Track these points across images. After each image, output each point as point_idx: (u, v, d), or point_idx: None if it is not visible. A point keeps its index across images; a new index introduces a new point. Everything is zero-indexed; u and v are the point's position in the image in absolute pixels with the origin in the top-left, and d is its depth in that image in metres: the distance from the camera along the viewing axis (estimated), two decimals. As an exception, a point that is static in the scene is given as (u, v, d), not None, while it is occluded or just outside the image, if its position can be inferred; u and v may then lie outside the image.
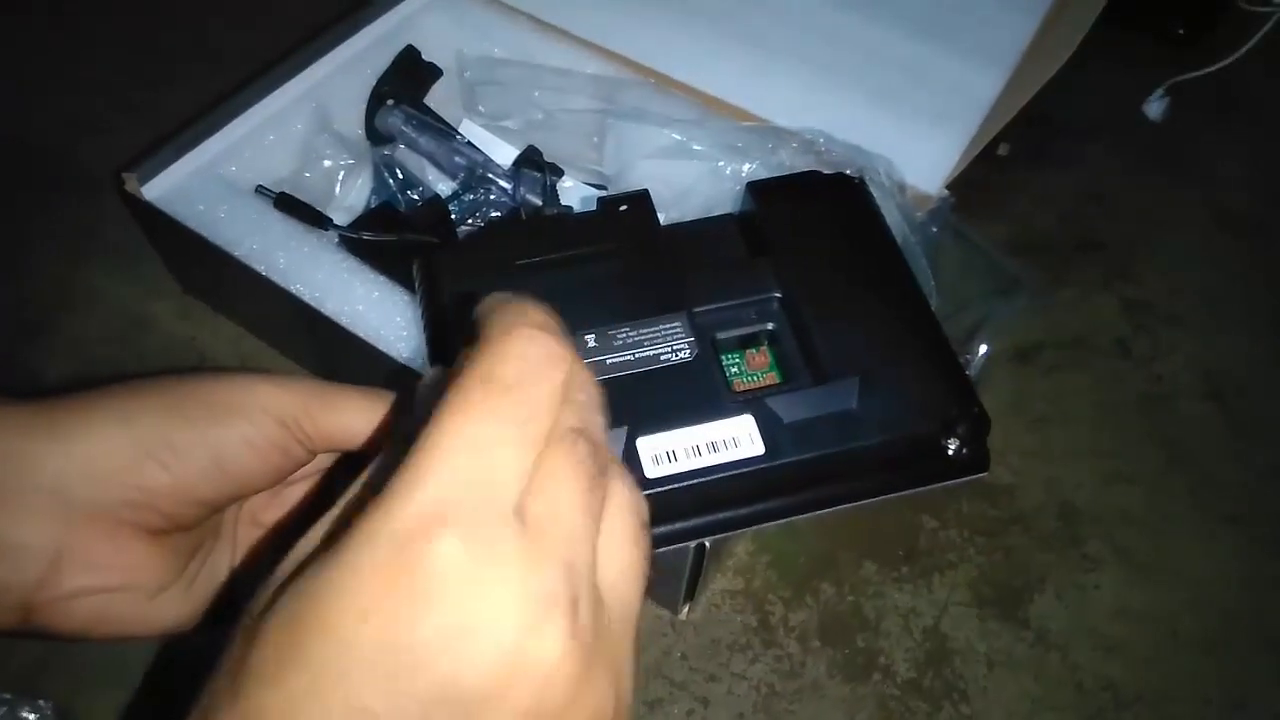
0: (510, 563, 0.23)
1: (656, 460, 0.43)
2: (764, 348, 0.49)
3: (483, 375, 0.25)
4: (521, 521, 0.24)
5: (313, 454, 0.39)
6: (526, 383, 0.25)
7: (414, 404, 0.30)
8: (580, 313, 0.47)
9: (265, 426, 0.36)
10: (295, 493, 0.43)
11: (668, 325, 0.47)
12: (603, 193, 0.72)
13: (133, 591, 0.36)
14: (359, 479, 0.28)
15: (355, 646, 0.22)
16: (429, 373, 0.31)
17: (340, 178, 0.72)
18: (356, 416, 0.38)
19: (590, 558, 0.25)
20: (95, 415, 0.35)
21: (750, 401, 0.45)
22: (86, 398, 0.36)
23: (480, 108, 0.75)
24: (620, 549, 0.26)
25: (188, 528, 0.38)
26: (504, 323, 0.26)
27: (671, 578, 0.55)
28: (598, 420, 0.27)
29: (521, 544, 0.23)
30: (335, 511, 0.27)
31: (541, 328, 0.26)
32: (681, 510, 0.43)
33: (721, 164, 0.65)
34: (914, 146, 0.67)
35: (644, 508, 0.28)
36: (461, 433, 0.24)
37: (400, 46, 0.74)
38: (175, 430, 0.35)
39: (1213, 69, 0.90)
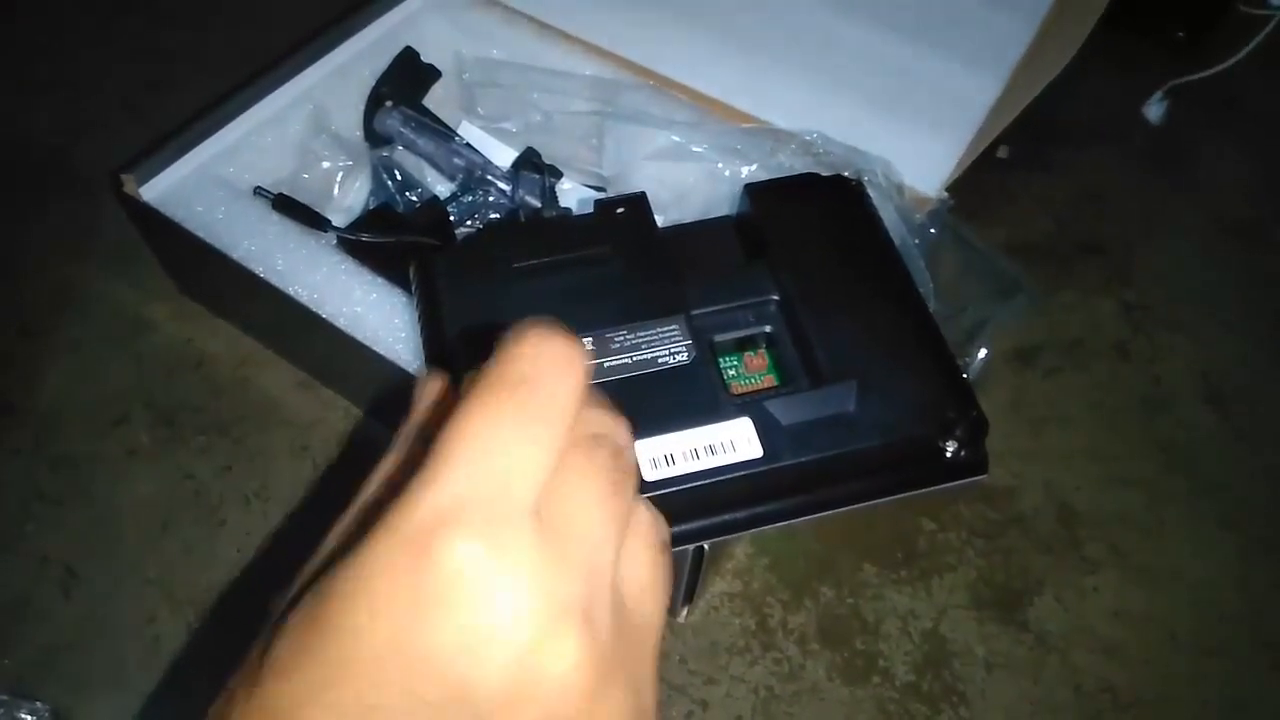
0: (527, 565, 0.22)
1: (654, 463, 0.43)
2: (762, 350, 0.49)
3: (500, 374, 0.24)
4: (540, 523, 0.23)
5: None
6: (544, 380, 0.24)
7: (411, 403, 0.30)
8: (578, 315, 0.47)
9: None
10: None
11: (665, 328, 0.46)
12: (601, 195, 0.72)
13: None
14: (373, 477, 0.28)
15: (368, 645, 0.22)
16: (425, 373, 0.31)
17: (339, 179, 0.72)
18: None
19: (610, 565, 0.24)
20: None
21: (748, 404, 0.45)
22: None
23: (479, 109, 0.75)
24: (643, 566, 0.26)
25: None
26: (519, 328, 0.26)
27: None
28: (620, 428, 0.27)
29: (539, 546, 0.23)
30: (352, 511, 0.27)
31: (555, 329, 0.26)
32: (680, 513, 0.43)
33: (720, 166, 0.65)
34: (913, 149, 0.67)
35: (665, 529, 0.28)
36: (479, 432, 0.23)
37: (399, 48, 0.74)
38: None
39: (1212, 72, 0.90)
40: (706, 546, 0.49)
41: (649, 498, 0.42)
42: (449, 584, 0.22)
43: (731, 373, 0.47)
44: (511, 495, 0.23)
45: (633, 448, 0.27)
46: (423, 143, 0.72)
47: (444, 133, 0.72)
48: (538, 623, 0.22)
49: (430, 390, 0.30)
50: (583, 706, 0.23)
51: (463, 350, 0.46)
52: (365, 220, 0.70)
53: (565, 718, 0.23)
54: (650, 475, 0.42)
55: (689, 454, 0.43)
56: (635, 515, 0.26)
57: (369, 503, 0.27)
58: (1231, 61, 0.90)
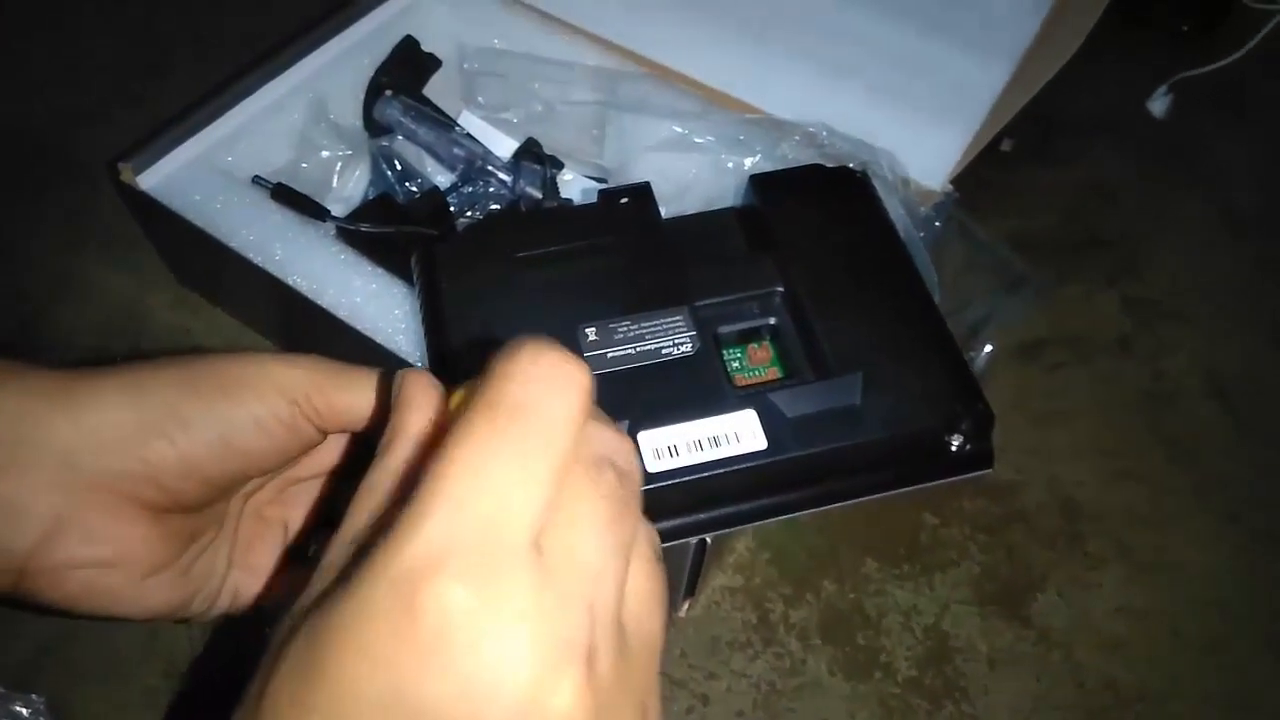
0: (522, 608, 0.22)
1: (658, 455, 0.42)
2: (766, 342, 0.48)
3: (491, 400, 0.23)
4: (538, 559, 0.22)
5: (323, 434, 0.38)
6: (537, 404, 0.23)
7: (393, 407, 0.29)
8: (581, 306, 0.46)
9: (275, 404, 0.36)
10: (299, 491, 0.42)
11: (669, 319, 0.46)
12: (603, 185, 0.72)
13: (126, 569, 0.36)
14: (361, 501, 0.27)
15: (363, 696, 0.21)
16: (403, 375, 0.30)
17: (338, 168, 0.72)
18: (367, 395, 0.38)
19: (615, 597, 0.24)
20: (107, 387, 0.35)
21: (752, 396, 0.44)
22: (101, 371, 0.36)
23: (480, 99, 0.75)
24: (645, 580, 0.26)
25: (191, 508, 0.37)
26: (511, 347, 0.24)
27: (672, 574, 0.55)
28: (625, 449, 0.26)
29: (537, 586, 0.22)
30: (344, 541, 0.26)
31: (550, 346, 0.24)
32: (682, 506, 0.42)
33: (723, 157, 0.65)
34: (918, 141, 0.66)
35: (656, 537, 0.27)
36: (468, 464, 0.22)
37: (399, 36, 0.74)
38: (184, 405, 0.35)
39: (1217, 66, 0.90)
40: (709, 540, 0.48)
41: (652, 490, 0.42)
42: (441, 632, 0.21)
43: (736, 364, 0.47)
44: (504, 535, 0.22)
45: (638, 468, 0.26)
46: (423, 132, 0.71)
47: (444, 122, 0.72)
48: (537, 666, 0.22)
49: (415, 396, 0.29)
50: None
51: (464, 347, 0.46)
52: (364, 210, 0.69)
53: None
54: (654, 467, 0.42)
55: (693, 445, 0.42)
56: (637, 535, 0.26)
57: (360, 535, 0.26)
58: (1237, 55, 0.90)
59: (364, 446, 0.41)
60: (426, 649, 0.21)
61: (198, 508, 0.38)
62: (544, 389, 0.24)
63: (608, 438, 0.26)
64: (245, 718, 0.23)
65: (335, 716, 0.21)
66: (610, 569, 0.24)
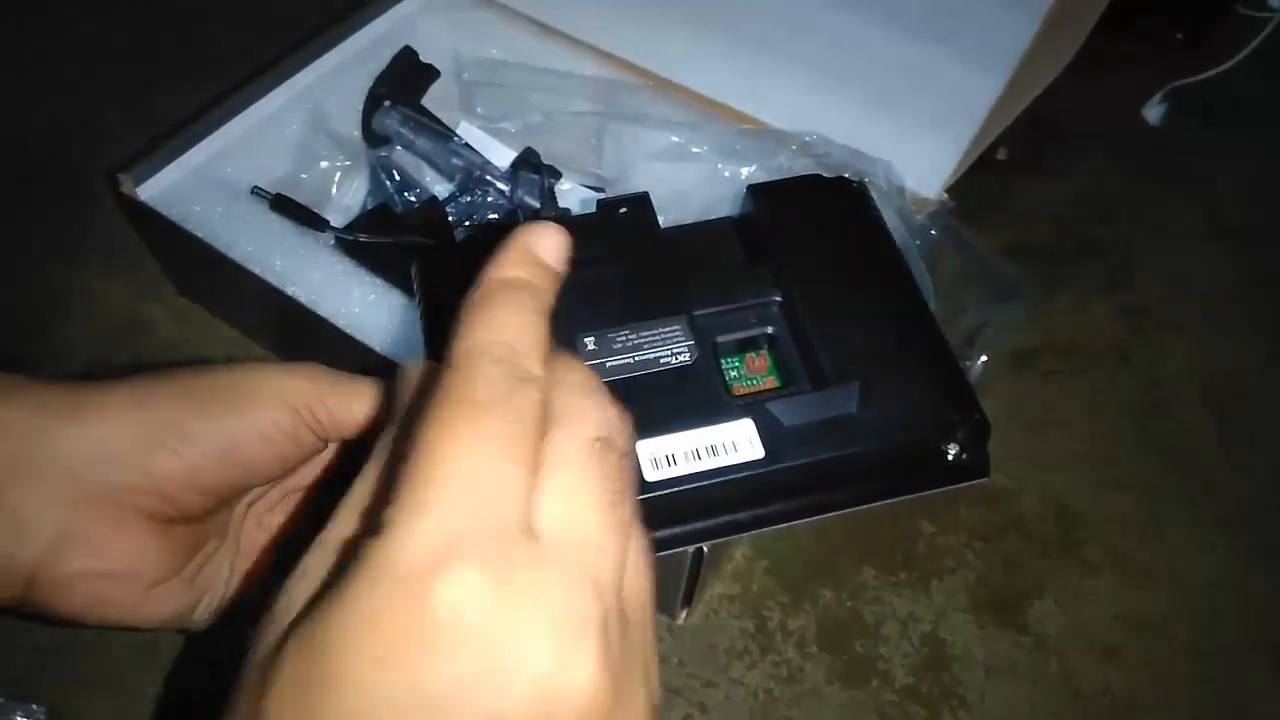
0: (532, 589, 0.22)
1: (655, 464, 0.42)
2: (764, 351, 0.48)
3: (458, 399, 0.24)
4: (538, 540, 0.23)
5: (324, 442, 0.39)
6: (503, 399, 0.24)
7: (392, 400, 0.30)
8: (579, 316, 0.47)
9: (277, 413, 0.37)
10: (301, 500, 0.43)
11: (667, 328, 0.46)
12: (601, 195, 0.72)
13: (131, 580, 0.36)
14: (347, 503, 0.27)
15: (375, 699, 0.21)
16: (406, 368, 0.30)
17: (337, 179, 0.72)
18: (367, 404, 0.38)
19: (617, 572, 0.24)
20: (111, 400, 0.36)
21: (750, 405, 0.44)
22: (106, 383, 0.37)
23: (478, 109, 0.75)
24: (639, 570, 0.26)
25: (195, 519, 0.38)
26: (465, 345, 0.25)
27: (670, 583, 0.55)
28: (625, 431, 0.26)
29: (543, 566, 0.22)
30: (329, 544, 0.26)
31: (504, 344, 0.25)
32: (680, 514, 0.43)
33: (720, 167, 0.65)
34: (913, 150, 0.67)
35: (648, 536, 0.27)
36: (452, 457, 0.23)
37: (398, 47, 0.74)
38: (187, 417, 0.36)
39: (1212, 74, 0.90)
40: (706, 548, 0.48)
41: (650, 498, 0.42)
42: (457, 623, 0.21)
43: (733, 374, 0.47)
44: (502, 519, 0.22)
45: (634, 453, 0.27)
46: (421, 142, 0.72)
47: (443, 133, 0.72)
48: (553, 648, 0.22)
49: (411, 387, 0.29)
50: (609, 715, 0.22)
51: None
52: (363, 220, 0.70)
53: None
54: (651, 476, 0.42)
55: (690, 454, 0.43)
56: (634, 523, 0.26)
57: (346, 537, 0.26)
58: (1231, 63, 0.90)
59: (360, 452, 0.41)
60: (445, 643, 0.21)
61: (201, 518, 0.38)
62: (505, 388, 0.24)
63: (610, 419, 0.26)
64: None
65: None
66: (612, 549, 0.24)
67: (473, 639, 0.21)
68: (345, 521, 0.26)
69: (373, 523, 0.23)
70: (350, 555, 0.23)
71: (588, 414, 0.25)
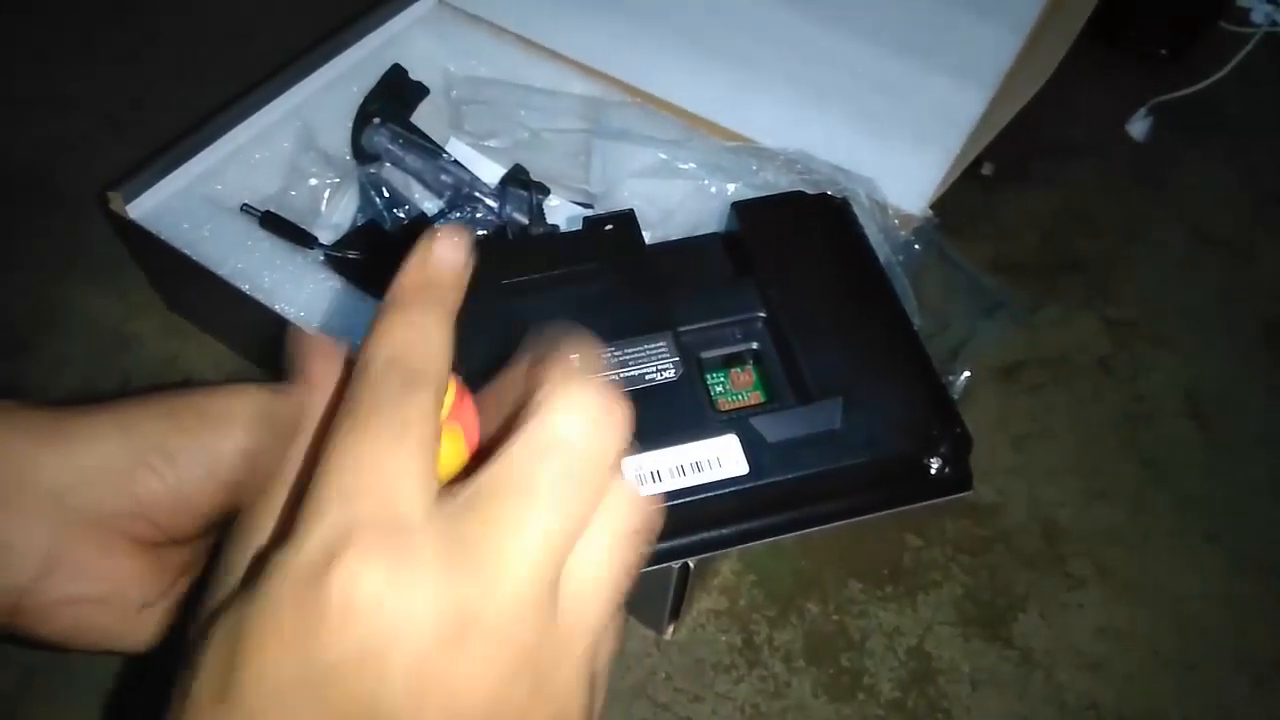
0: (421, 573, 0.23)
1: (640, 480, 0.43)
2: (748, 367, 0.49)
3: (349, 407, 0.25)
4: (442, 525, 0.23)
5: None
6: (393, 400, 0.25)
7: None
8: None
9: (259, 434, 0.37)
10: None
11: (652, 345, 0.47)
12: (589, 212, 0.72)
13: (118, 604, 0.37)
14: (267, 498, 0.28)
15: (280, 679, 0.22)
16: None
17: (326, 196, 0.72)
18: None
19: (540, 564, 0.24)
20: (96, 424, 0.36)
21: (735, 421, 0.45)
22: (89, 408, 0.37)
23: (467, 127, 0.76)
24: (603, 551, 0.26)
25: (180, 541, 0.38)
26: (362, 356, 0.26)
27: (656, 597, 0.55)
28: (608, 414, 0.25)
29: (439, 552, 0.23)
30: (251, 540, 0.27)
31: (395, 350, 0.26)
32: (666, 530, 0.43)
33: (706, 183, 0.65)
34: (897, 165, 0.67)
35: (641, 514, 0.27)
36: (349, 459, 0.24)
37: (387, 65, 0.74)
38: (171, 439, 0.36)
39: (1195, 88, 0.91)
40: (692, 563, 0.49)
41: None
42: (346, 607, 0.22)
43: (718, 389, 0.48)
44: (398, 510, 0.23)
45: (618, 424, 0.25)
46: (410, 160, 0.72)
47: (432, 149, 0.72)
48: (434, 633, 0.22)
49: (315, 371, 0.31)
50: (484, 708, 0.23)
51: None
52: (352, 237, 0.70)
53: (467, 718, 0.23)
54: (636, 492, 0.42)
55: (675, 470, 0.43)
56: (613, 495, 0.26)
57: (259, 531, 0.27)
58: (1215, 78, 0.91)
59: None
60: (335, 625, 0.22)
61: (188, 540, 0.38)
62: (397, 392, 0.25)
63: (578, 394, 0.26)
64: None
65: (254, 703, 0.22)
66: (538, 533, 0.24)
67: (360, 622, 0.22)
68: (261, 517, 0.27)
69: (284, 520, 0.24)
70: (265, 556, 0.24)
71: (561, 404, 0.25)
